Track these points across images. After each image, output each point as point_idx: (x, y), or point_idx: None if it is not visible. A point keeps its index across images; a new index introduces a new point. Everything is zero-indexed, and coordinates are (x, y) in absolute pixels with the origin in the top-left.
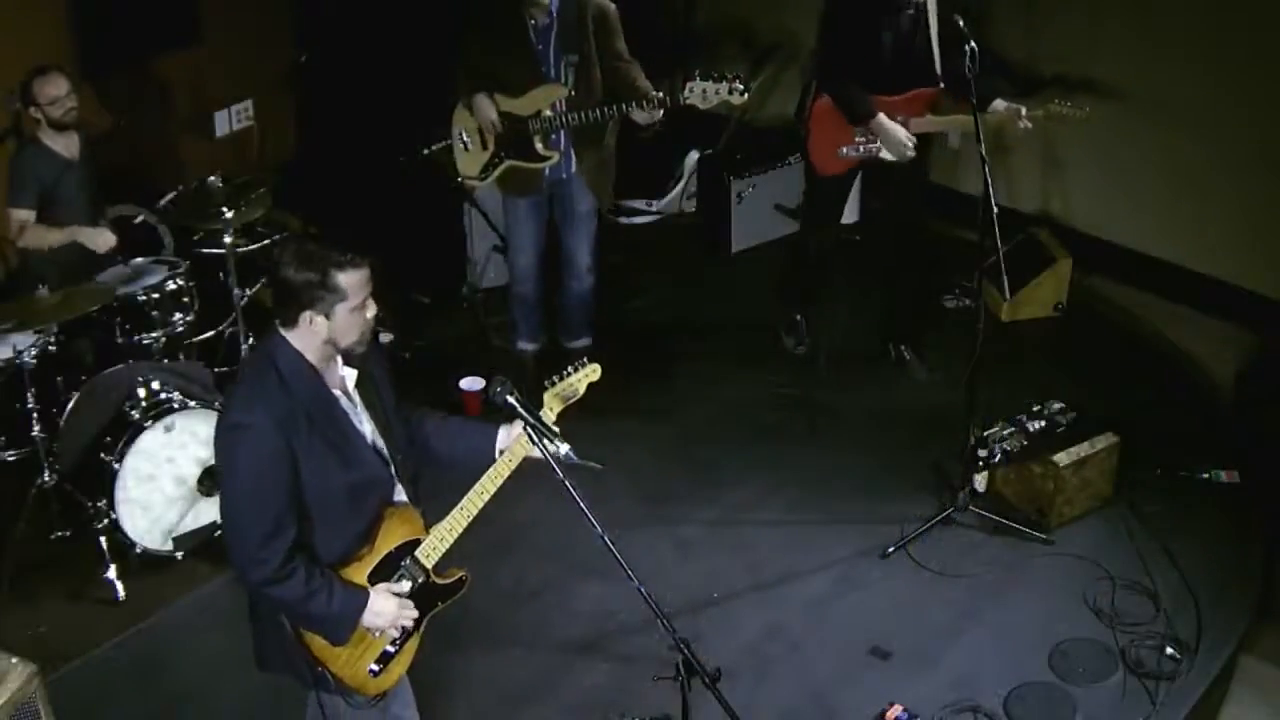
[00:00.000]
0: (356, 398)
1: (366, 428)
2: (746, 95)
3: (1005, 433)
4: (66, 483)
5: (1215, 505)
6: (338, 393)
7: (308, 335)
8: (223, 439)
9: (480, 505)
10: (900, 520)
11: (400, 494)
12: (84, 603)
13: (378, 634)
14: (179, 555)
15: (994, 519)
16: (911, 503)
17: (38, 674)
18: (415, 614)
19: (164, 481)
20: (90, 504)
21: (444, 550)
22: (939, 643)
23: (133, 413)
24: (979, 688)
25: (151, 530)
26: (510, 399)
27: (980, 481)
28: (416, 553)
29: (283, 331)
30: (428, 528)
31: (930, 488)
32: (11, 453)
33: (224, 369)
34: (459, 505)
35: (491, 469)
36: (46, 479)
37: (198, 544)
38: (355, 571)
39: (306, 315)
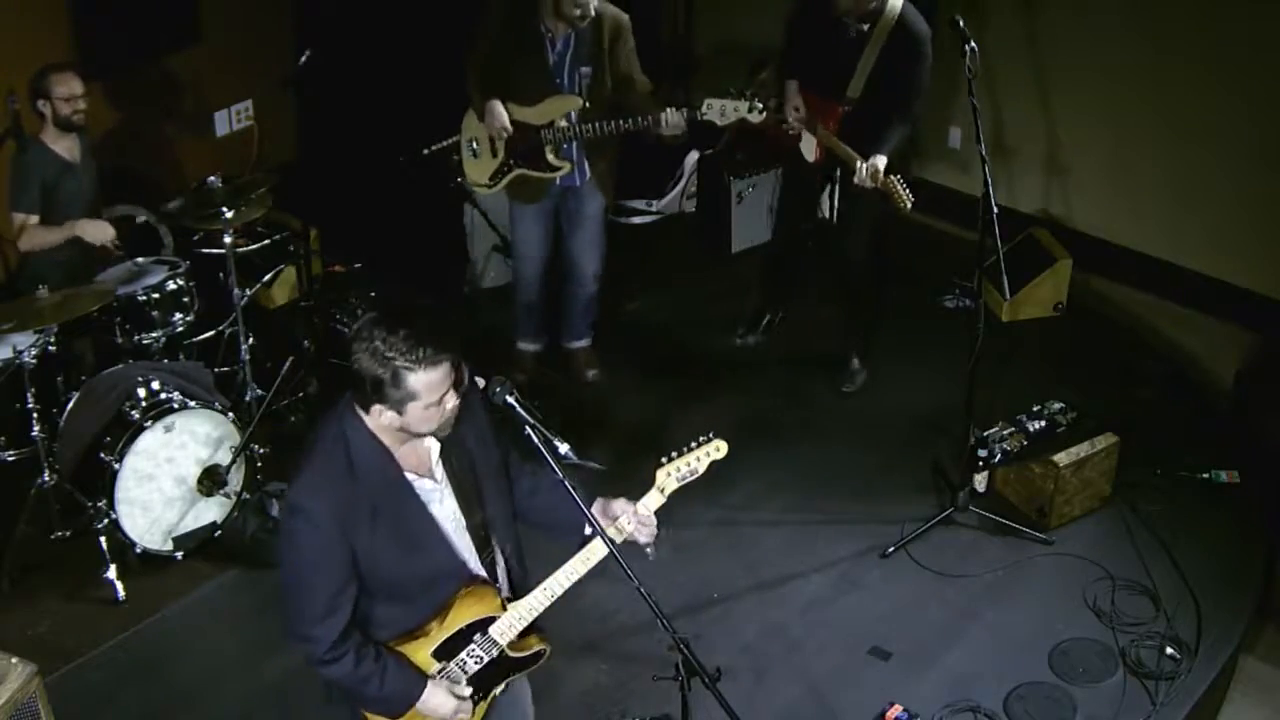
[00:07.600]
0: (439, 472)
1: (448, 506)
2: (765, 113)
3: (1005, 433)
4: (66, 483)
5: (1215, 505)
6: (412, 477)
7: (380, 423)
8: (283, 516)
9: (566, 586)
10: (900, 520)
11: (479, 569)
12: (84, 603)
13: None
14: (179, 555)
15: (994, 519)
16: (911, 503)
17: (38, 674)
18: (468, 715)
19: (164, 481)
20: (90, 504)
21: (521, 628)
22: (939, 643)
23: (133, 413)
24: (979, 688)
25: (151, 530)
26: (510, 399)
27: (980, 481)
28: (491, 630)
29: (358, 409)
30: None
31: (930, 488)
32: (11, 453)
33: (224, 369)
34: (543, 585)
35: (581, 554)
36: (46, 479)
37: (198, 544)
38: (420, 647)
39: (377, 408)
